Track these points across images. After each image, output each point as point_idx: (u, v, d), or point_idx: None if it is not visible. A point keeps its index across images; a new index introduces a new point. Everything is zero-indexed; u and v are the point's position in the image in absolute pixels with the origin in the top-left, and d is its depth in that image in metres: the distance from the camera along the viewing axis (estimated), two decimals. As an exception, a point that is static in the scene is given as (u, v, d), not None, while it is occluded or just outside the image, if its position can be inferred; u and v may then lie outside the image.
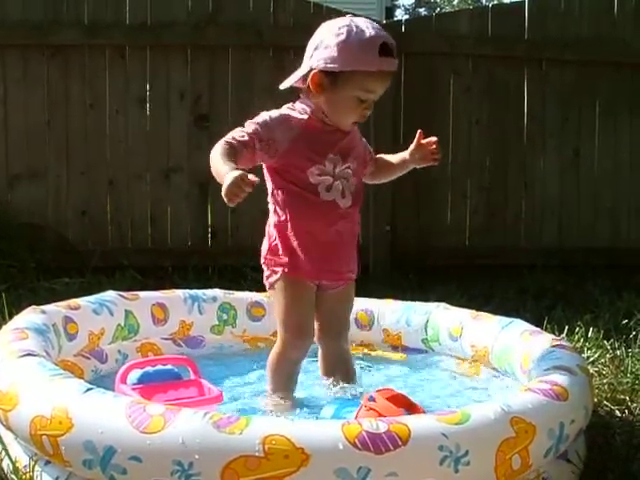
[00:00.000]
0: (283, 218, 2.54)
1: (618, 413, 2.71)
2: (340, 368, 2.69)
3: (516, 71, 5.65)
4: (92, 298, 2.96)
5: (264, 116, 2.50)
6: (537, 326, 2.91)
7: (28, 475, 1.94)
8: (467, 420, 1.83)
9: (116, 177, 5.27)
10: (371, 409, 2.09)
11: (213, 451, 1.71)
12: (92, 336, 2.83)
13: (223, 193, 2.18)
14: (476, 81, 5.61)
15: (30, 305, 2.74)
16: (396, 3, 28.74)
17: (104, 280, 4.60)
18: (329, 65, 2.38)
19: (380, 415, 2.02)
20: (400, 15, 28.85)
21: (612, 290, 4.83)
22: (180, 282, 4.60)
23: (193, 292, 3.22)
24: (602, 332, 3.64)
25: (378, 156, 2.79)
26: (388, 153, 2.87)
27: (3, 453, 2.07)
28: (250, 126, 2.45)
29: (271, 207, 2.59)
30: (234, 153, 2.35)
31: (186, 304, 3.16)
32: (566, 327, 3.71)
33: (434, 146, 2.67)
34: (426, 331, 3.14)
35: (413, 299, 3.40)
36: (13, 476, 1.99)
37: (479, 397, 2.72)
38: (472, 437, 1.80)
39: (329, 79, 2.40)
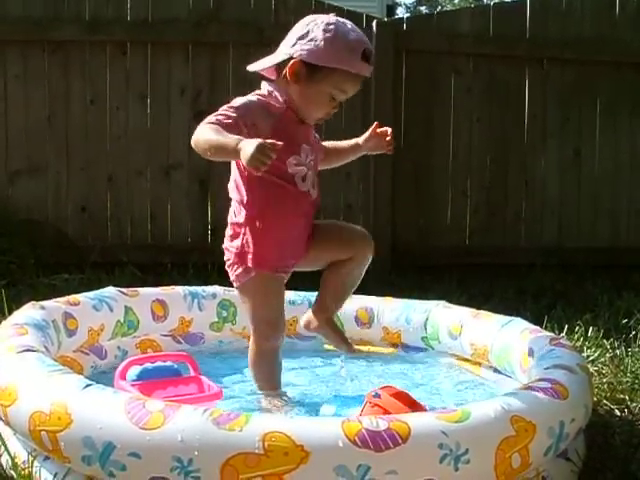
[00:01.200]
0: (255, 211, 2.49)
1: (618, 412, 2.71)
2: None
3: (517, 70, 5.64)
4: (92, 294, 2.96)
5: (243, 101, 2.47)
6: (537, 325, 2.91)
7: (27, 471, 1.94)
8: (467, 418, 1.83)
9: (116, 173, 5.26)
10: (376, 405, 2.09)
11: (213, 448, 1.70)
12: (91, 332, 2.83)
13: (250, 162, 2.13)
14: (477, 80, 5.60)
15: (30, 301, 2.73)
16: (397, 1, 28.76)
17: (104, 276, 4.59)
18: (312, 57, 2.39)
19: (385, 412, 2.02)
20: (401, 13, 28.86)
21: (612, 289, 4.83)
22: (180, 279, 4.60)
23: (193, 289, 3.23)
24: (602, 331, 3.63)
25: (325, 143, 2.78)
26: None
27: (2, 448, 2.07)
28: (231, 110, 2.39)
29: (238, 199, 2.53)
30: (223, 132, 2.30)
31: (186, 301, 3.16)
32: (566, 326, 3.71)
33: (389, 137, 2.69)
34: (426, 329, 3.14)
35: (413, 297, 3.40)
36: (12, 472, 1.99)
37: (479, 395, 2.72)
38: (472, 435, 1.80)
39: (308, 71, 2.41)
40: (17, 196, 5.16)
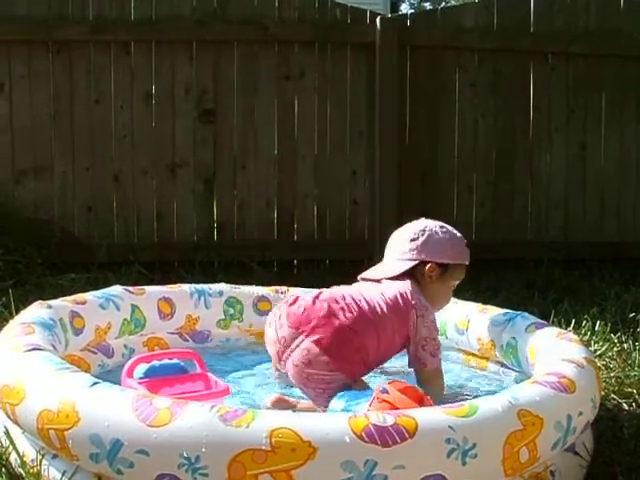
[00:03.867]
0: None
1: (625, 406, 2.70)
2: None
3: (522, 65, 5.63)
4: (98, 293, 2.95)
5: (431, 316, 2.72)
6: (544, 319, 2.91)
7: (35, 469, 1.95)
8: (474, 413, 1.83)
9: (122, 172, 5.27)
10: (384, 401, 2.08)
11: (220, 444, 1.70)
12: (99, 330, 2.83)
13: None
14: (482, 75, 5.60)
15: (36, 300, 2.74)
16: (401, -3, 28.68)
17: (110, 275, 4.60)
18: (443, 260, 2.73)
19: (393, 407, 2.01)
20: (405, 9, 28.81)
21: (619, 283, 4.82)
22: (186, 277, 4.60)
23: (199, 286, 3.22)
24: (609, 325, 3.63)
25: None
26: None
27: (10, 447, 2.07)
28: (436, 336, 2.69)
29: None
30: None
31: (192, 298, 3.16)
32: (573, 320, 3.70)
33: None
34: (432, 325, 3.13)
35: (419, 293, 3.38)
36: (21, 470, 1.99)
37: (486, 390, 2.71)
38: (479, 430, 1.80)
39: (440, 270, 2.73)
40: (23, 196, 5.17)
